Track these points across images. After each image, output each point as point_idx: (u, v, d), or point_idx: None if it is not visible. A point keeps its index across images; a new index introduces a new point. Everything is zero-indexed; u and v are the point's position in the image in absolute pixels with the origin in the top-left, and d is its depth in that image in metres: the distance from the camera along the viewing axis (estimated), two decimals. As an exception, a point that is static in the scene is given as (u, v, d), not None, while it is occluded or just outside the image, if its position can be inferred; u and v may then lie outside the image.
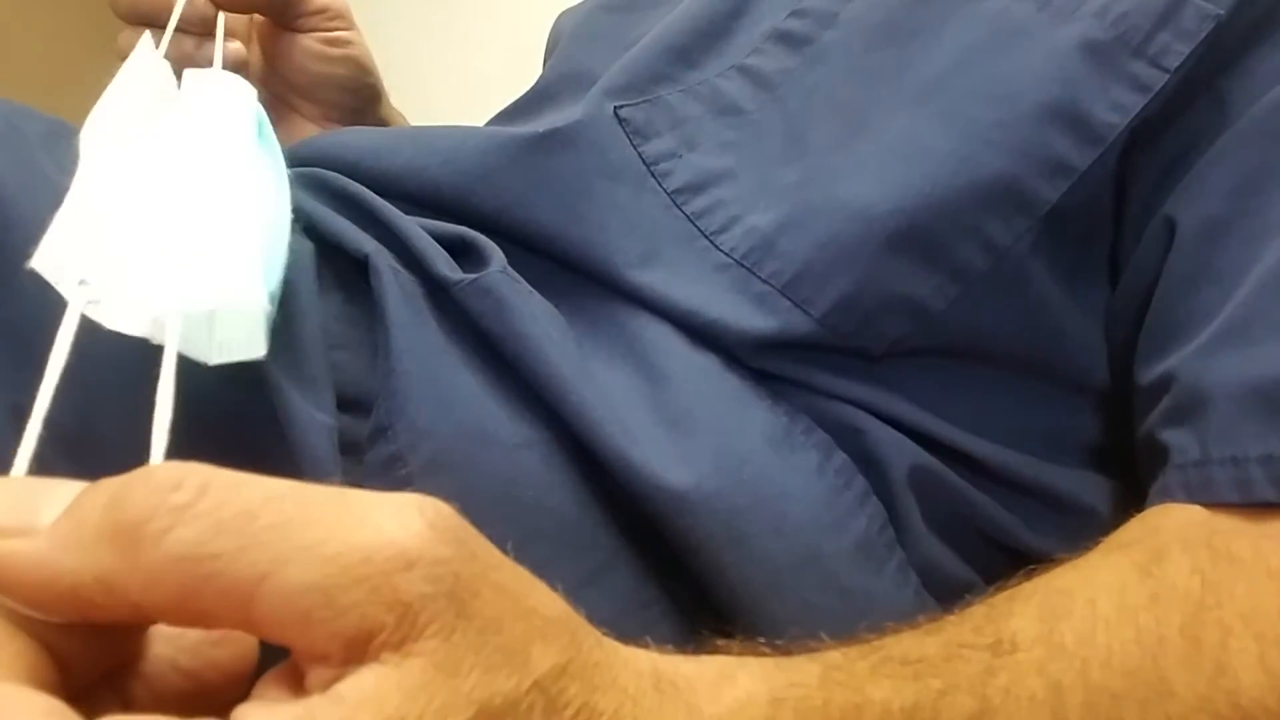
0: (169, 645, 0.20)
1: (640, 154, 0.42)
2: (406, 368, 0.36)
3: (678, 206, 0.41)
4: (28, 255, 0.29)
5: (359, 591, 0.18)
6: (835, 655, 0.28)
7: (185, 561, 0.17)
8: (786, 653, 0.27)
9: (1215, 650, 0.29)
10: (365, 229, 0.40)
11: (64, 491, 0.18)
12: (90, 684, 0.19)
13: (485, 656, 0.19)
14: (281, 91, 0.59)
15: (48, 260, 0.24)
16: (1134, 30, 0.39)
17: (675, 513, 0.35)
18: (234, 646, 0.21)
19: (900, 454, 0.39)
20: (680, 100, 0.43)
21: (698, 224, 0.41)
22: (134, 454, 0.25)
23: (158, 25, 0.47)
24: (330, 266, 0.38)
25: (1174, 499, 0.36)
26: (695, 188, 0.41)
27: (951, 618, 0.31)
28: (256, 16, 0.58)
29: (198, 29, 0.52)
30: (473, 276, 0.38)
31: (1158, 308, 0.40)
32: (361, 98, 0.61)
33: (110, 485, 0.18)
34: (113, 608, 0.18)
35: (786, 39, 0.43)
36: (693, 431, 0.36)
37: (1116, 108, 0.39)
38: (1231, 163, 0.39)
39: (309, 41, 0.58)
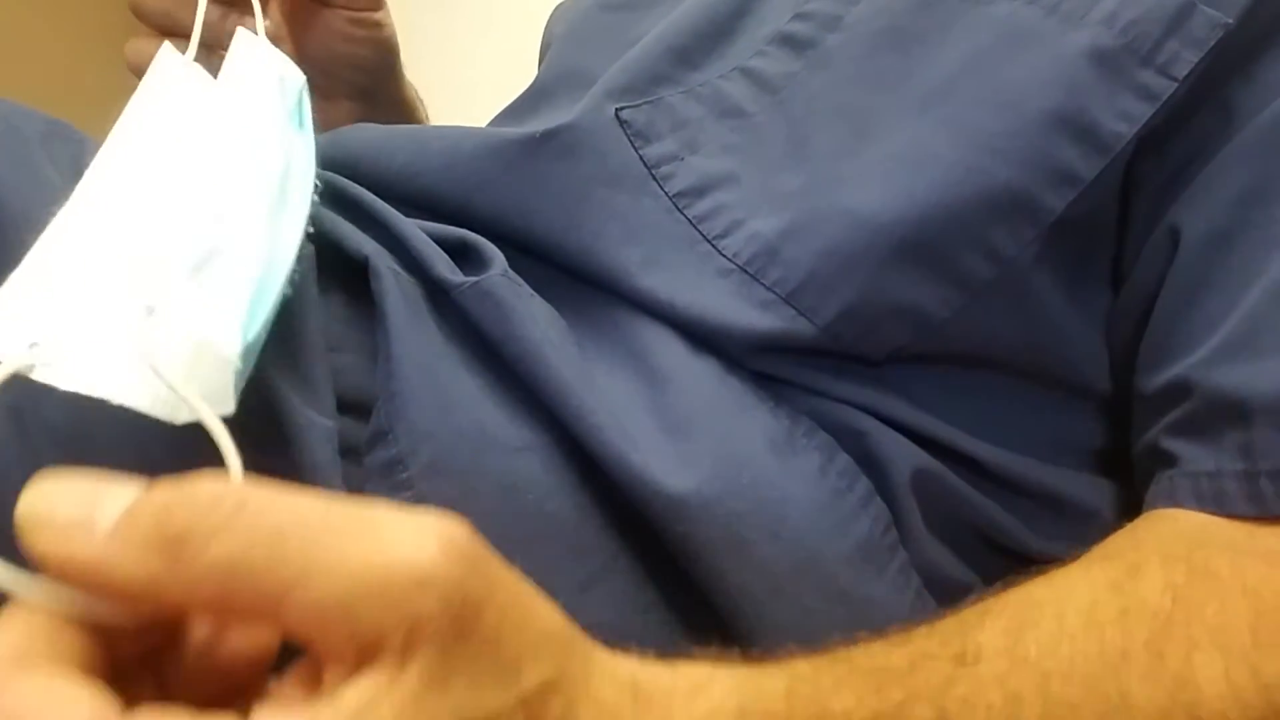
0: (202, 628, 0.23)
1: (641, 156, 0.42)
2: (406, 371, 0.36)
3: (679, 210, 0.41)
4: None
5: (375, 605, 0.19)
6: (803, 667, 0.28)
7: (220, 573, 0.19)
8: (758, 663, 0.28)
9: (1178, 664, 0.29)
10: (365, 231, 0.40)
11: (122, 494, 0.20)
12: (133, 660, 0.22)
13: (476, 673, 0.20)
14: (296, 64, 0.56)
15: None
16: (1142, 38, 0.39)
17: (675, 518, 0.35)
18: (259, 634, 0.23)
19: (902, 456, 0.39)
20: (682, 102, 0.43)
21: (700, 228, 0.40)
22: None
23: (181, 28, 0.45)
24: (330, 269, 0.38)
25: (1181, 504, 0.36)
26: (697, 191, 0.41)
27: (922, 629, 0.31)
28: None
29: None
30: (473, 279, 0.38)
31: (1161, 316, 0.40)
32: (378, 79, 0.58)
33: (159, 496, 0.20)
34: (158, 605, 0.20)
35: (790, 41, 0.43)
36: (693, 436, 0.36)
37: (1124, 117, 0.39)
38: (1237, 173, 0.39)
39: (338, 20, 0.55)
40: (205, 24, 0.46)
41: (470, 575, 0.21)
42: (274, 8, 0.54)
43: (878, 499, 0.38)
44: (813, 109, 0.41)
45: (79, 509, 0.20)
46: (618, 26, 0.51)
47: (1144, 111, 0.39)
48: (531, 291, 0.39)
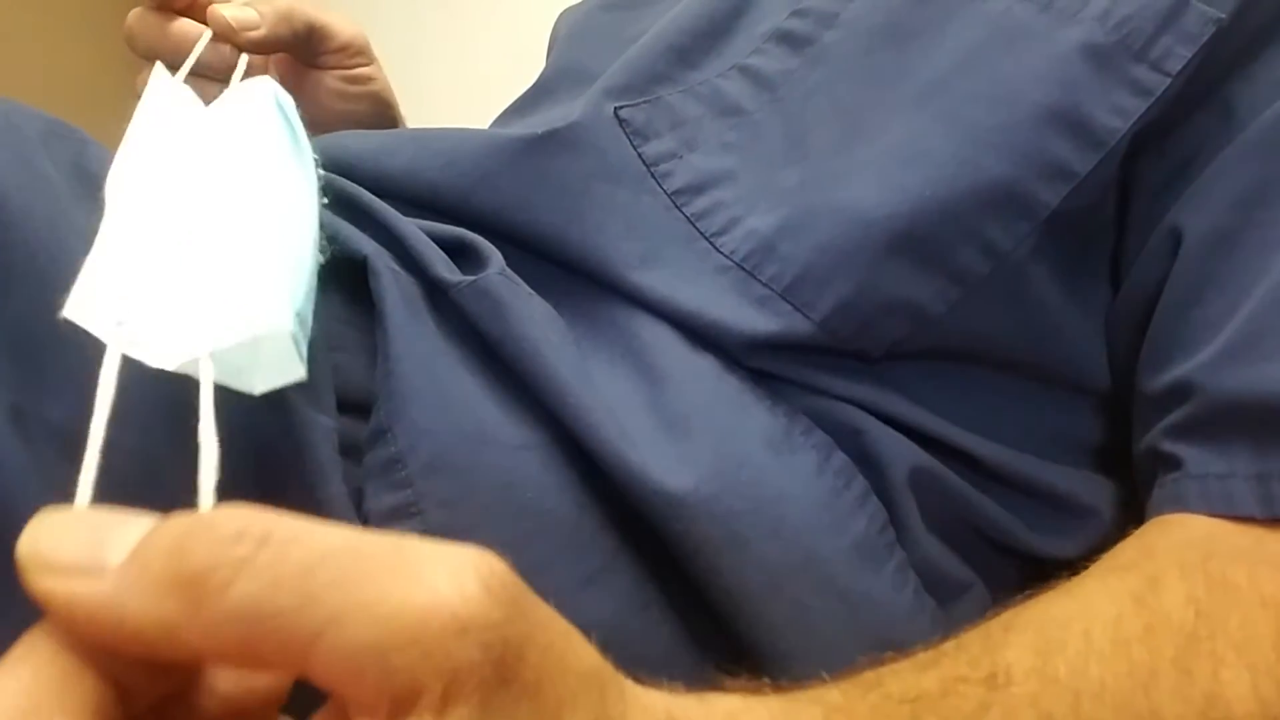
0: (212, 672, 0.21)
1: (640, 155, 0.42)
2: (406, 370, 0.36)
3: (678, 208, 0.41)
4: (31, 258, 0.29)
5: (411, 654, 0.18)
6: (836, 696, 0.28)
7: (245, 616, 0.18)
8: (790, 692, 0.27)
9: (1207, 681, 0.29)
10: (364, 230, 0.40)
11: (131, 530, 0.19)
12: (145, 709, 0.20)
13: None
14: None
15: (81, 307, 0.24)
16: (1136, 34, 0.39)
17: (673, 516, 0.35)
18: (271, 678, 0.21)
19: (900, 454, 0.39)
20: (680, 100, 0.43)
21: (698, 225, 0.40)
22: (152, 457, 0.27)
23: (177, 65, 0.47)
24: (329, 268, 0.38)
25: (1189, 508, 0.36)
26: (695, 189, 0.41)
27: (949, 646, 0.31)
28: (276, 54, 0.56)
29: (218, 73, 0.51)
30: (471, 278, 0.38)
31: (1163, 316, 0.40)
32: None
33: (174, 531, 0.18)
34: (175, 652, 0.18)
35: (787, 39, 0.43)
36: (691, 434, 0.36)
37: (1118, 112, 0.39)
38: (1238, 173, 0.39)
39: (331, 79, 0.57)
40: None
41: (512, 617, 0.19)
42: (269, 73, 0.56)
43: (875, 497, 0.38)
44: (810, 106, 0.42)
45: (85, 546, 0.18)
46: (617, 25, 0.52)
47: (1138, 106, 0.39)
48: (530, 290, 0.39)
